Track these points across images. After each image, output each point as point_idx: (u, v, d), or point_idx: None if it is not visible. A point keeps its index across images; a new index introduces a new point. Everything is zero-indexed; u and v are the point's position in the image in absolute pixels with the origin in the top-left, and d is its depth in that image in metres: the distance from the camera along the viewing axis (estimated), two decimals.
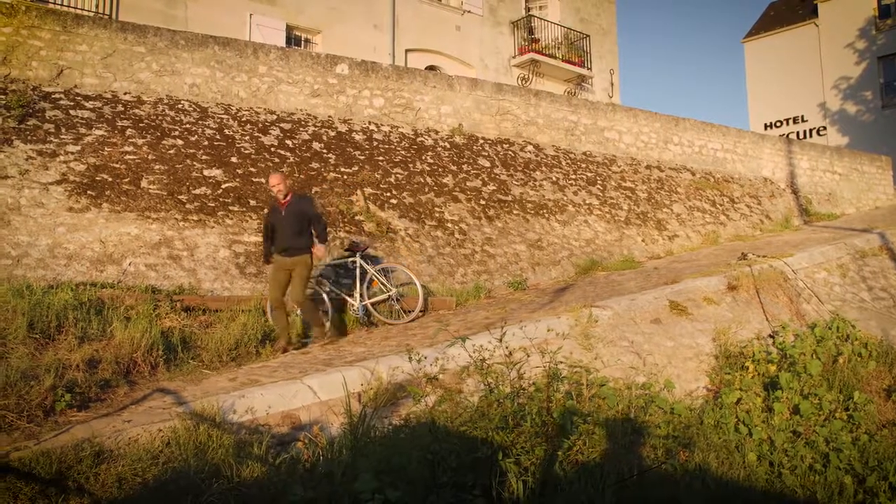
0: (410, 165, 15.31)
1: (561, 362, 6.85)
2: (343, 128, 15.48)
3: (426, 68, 22.92)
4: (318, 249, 10.49)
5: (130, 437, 6.05)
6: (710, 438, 7.39)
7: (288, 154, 14.16)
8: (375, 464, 4.80)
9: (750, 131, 24.45)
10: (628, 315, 10.15)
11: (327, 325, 10.52)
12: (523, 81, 26.52)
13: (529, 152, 17.54)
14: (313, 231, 10.45)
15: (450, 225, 14.33)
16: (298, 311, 10.58)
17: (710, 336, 10.38)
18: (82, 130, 12.82)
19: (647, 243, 17.16)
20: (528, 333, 8.40)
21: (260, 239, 11.56)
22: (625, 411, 7.31)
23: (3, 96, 12.75)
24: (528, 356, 6.77)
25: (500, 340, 6.60)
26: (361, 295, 11.09)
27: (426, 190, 14.86)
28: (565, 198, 16.83)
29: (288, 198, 10.38)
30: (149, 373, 8.36)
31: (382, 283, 11.27)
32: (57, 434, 6.25)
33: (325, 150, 14.66)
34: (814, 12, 38.80)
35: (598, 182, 17.99)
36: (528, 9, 28.37)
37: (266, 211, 11.20)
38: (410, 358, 6.90)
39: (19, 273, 10.22)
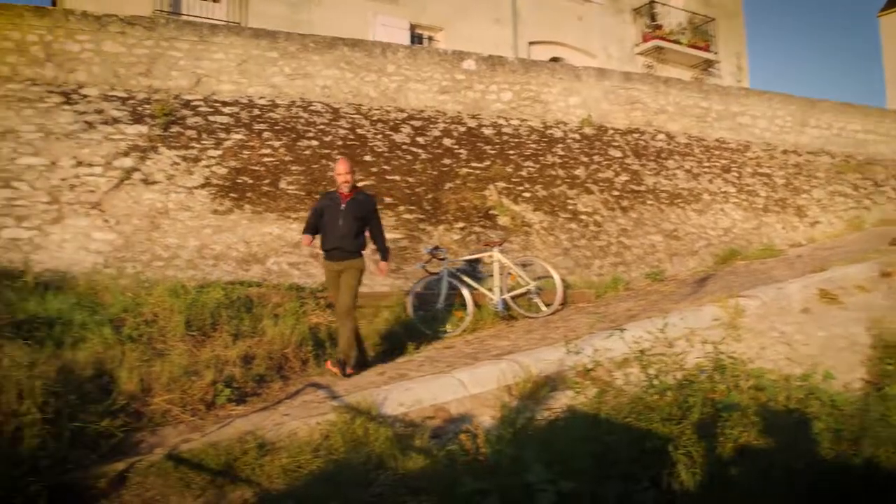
0: (541, 158, 15.24)
1: (722, 353, 6.68)
2: (472, 123, 15.51)
3: (549, 60, 22.79)
4: (383, 267, 9.13)
5: (290, 430, 6.16)
6: (876, 432, 7.10)
7: (419, 151, 14.27)
8: (542, 455, 4.76)
9: (893, 111, 23.48)
10: (776, 304, 9.86)
11: (467, 319, 10.49)
12: (648, 69, 26.10)
13: (661, 141, 17.24)
14: (374, 242, 9.01)
15: (584, 217, 14.21)
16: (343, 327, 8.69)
17: (864, 325, 10.00)
18: (222, 135, 13.18)
19: (787, 230, 16.68)
20: (684, 323, 8.26)
21: (398, 235, 11.64)
22: (784, 403, 7.09)
23: (147, 106, 13.22)
24: (692, 346, 6.65)
25: (662, 331, 6.48)
26: (500, 289, 11.04)
27: (558, 182, 14.76)
28: (700, 186, 16.49)
29: (353, 192, 8.85)
30: (300, 368, 8.55)
31: (520, 277, 11.21)
32: (221, 427, 6.44)
33: (455, 146, 14.72)
34: None
35: (733, 169, 17.56)
36: None
37: (319, 196, 9.74)
38: (568, 350, 6.84)
39: (171, 274, 10.57)
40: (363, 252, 8.83)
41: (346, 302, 8.58)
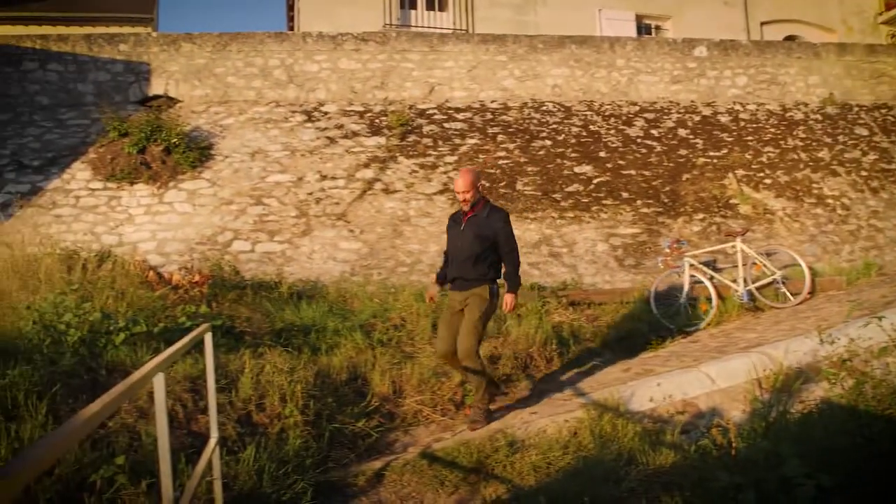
0: (781, 142, 14.81)
1: None
2: (707, 111, 15.28)
3: (784, 39, 22.00)
4: (508, 299, 7.11)
5: (539, 428, 6.34)
6: None
7: (654, 143, 14.22)
8: (798, 449, 4.73)
9: None
10: None
11: (711, 312, 10.38)
12: (894, 39, 24.64)
13: None
14: (502, 262, 7.27)
15: (830, 201, 13.69)
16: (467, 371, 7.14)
17: None
18: (457, 141, 13.65)
19: None
20: None
21: (636, 230, 11.65)
22: None
23: (384, 118, 13.88)
24: None
25: None
26: (745, 280, 10.86)
27: (801, 166, 14.29)
28: None
29: (476, 208, 7.20)
30: (544, 366, 8.72)
31: (765, 266, 10.97)
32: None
33: (690, 136, 14.55)
34: None
35: None
36: None
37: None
38: (821, 340, 6.70)
39: (415, 279, 11.09)
40: (493, 280, 7.19)
41: (466, 345, 6.90)
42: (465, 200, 7.04)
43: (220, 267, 11.03)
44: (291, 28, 23.42)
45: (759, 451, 5.12)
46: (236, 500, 5.00)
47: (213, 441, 4.20)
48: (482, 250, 6.96)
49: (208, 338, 4.35)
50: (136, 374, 2.89)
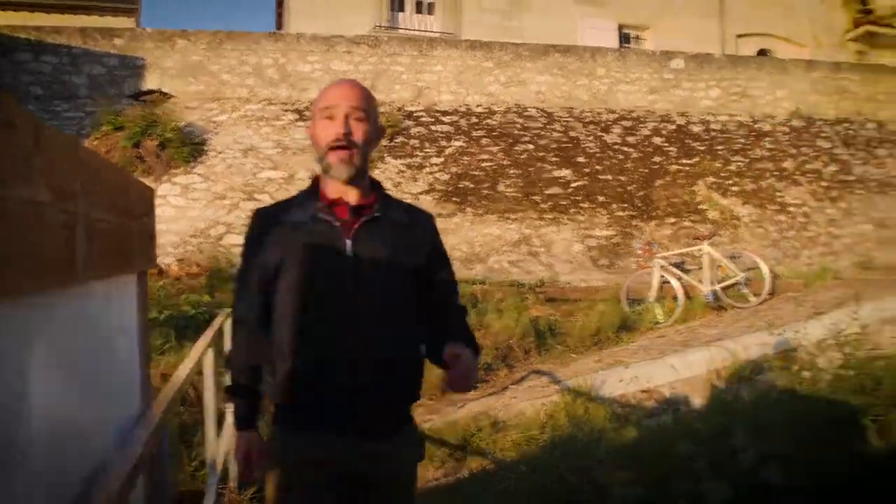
0: (749, 152, 15.55)
1: None
2: (681, 121, 15.97)
3: (757, 52, 22.79)
4: (462, 373, 2.34)
5: (518, 410, 6.99)
6: None
7: (630, 150, 14.90)
8: (745, 425, 5.41)
9: None
10: None
11: (678, 310, 11.06)
12: (860, 56, 25.48)
13: (870, 129, 17.07)
14: (440, 330, 2.55)
15: (792, 208, 14.45)
16: None
17: None
18: (443, 143, 14.25)
19: None
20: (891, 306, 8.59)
21: (610, 232, 12.28)
22: None
23: None
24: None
25: (856, 314, 6.99)
26: (710, 281, 11.52)
27: (766, 176, 15.04)
28: None
29: (368, 200, 2.54)
30: (523, 357, 9.36)
31: (730, 269, 11.63)
32: (457, 409, 7.38)
33: (665, 144, 15.25)
34: None
35: None
36: None
37: (253, 229, 2.62)
38: (771, 335, 7.41)
39: None
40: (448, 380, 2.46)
41: None
42: (344, 159, 2.44)
43: (217, 258, 11.53)
44: (279, 27, 23.88)
45: (712, 426, 5.81)
46: None
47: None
48: (405, 301, 2.55)
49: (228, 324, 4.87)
50: (195, 351, 3.56)
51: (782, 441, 5.16)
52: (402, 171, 13.61)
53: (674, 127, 15.77)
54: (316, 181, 2.61)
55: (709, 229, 13.02)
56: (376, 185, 2.64)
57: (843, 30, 26.03)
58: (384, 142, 13.96)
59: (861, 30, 25.60)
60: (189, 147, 13.55)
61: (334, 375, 2.37)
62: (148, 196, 2.78)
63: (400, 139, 14.22)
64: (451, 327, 2.60)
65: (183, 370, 3.08)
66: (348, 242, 2.44)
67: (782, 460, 4.91)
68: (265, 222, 2.56)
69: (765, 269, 11.58)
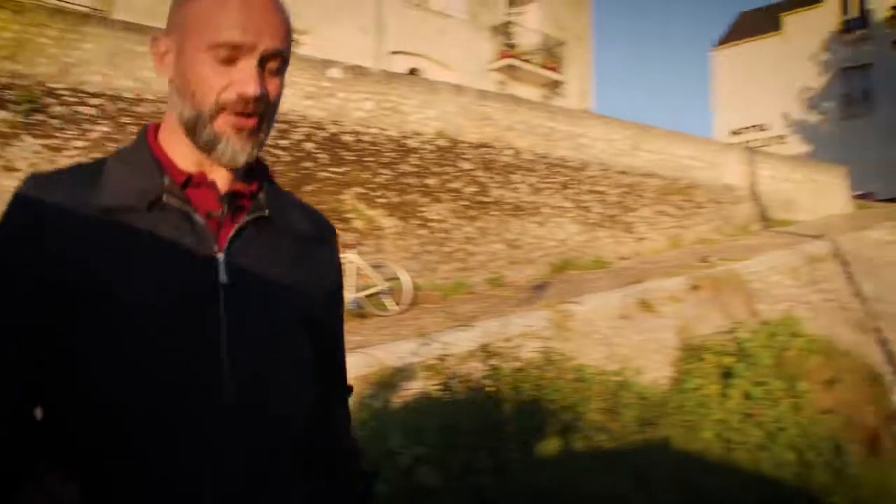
0: (397, 166, 16.10)
1: (550, 350, 7.81)
2: (334, 129, 16.24)
3: (409, 71, 23.75)
4: None
5: None
6: (673, 418, 8.40)
7: (281, 153, 14.94)
8: (401, 428, 5.69)
9: (715, 140, 25.54)
10: (601, 311, 11.09)
11: None
12: (501, 85, 27.40)
13: (508, 156, 18.33)
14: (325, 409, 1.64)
15: (433, 224, 15.21)
16: None
17: (674, 331, 11.39)
18: (87, 126, 13.56)
19: (617, 245, 18.15)
20: (518, 323, 9.34)
21: None
22: (601, 393, 8.28)
23: (10, 92, 13.41)
24: (527, 343, 7.73)
25: (503, 329, 7.57)
26: (354, 288, 11.86)
27: (411, 190, 15.69)
28: (540, 200, 17.72)
29: (250, 188, 1.48)
30: None
31: (373, 278, 12.04)
32: None
33: (317, 151, 15.44)
34: (779, 24, 40.15)
35: (572, 186, 18.86)
36: (507, 14, 29.21)
37: (17, 217, 1.31)
38: (421, 343, 7.80)
39: None
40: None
41: None
42: (255, 128, 1.42)
43: None
44: None
45: (366, 429, 6.03)
46: None
47: None
48: (300, 376, 1.46)
49: None
50: None
51: (435, 443, 5.48)
52: (39, 152, 12.77)
53: (327, 134, 16.02)
54: (149, 136, 1.51)
55: (355, 238, 13.38)
56: (261, 168, 1.56)
57: (488, 59, 27.89)
58: (20, 119, 13.05)
59: (504, 62, 27.60)
60: None
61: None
62: None
63: (39, 117, 13.34)
64: (338, 440, 1.73)
65: None
66: (220, 258, 1.36)
67: (436, 463, 5.23)
68: (47, 205, 1.31)
69: (406, 279, 12.10)
